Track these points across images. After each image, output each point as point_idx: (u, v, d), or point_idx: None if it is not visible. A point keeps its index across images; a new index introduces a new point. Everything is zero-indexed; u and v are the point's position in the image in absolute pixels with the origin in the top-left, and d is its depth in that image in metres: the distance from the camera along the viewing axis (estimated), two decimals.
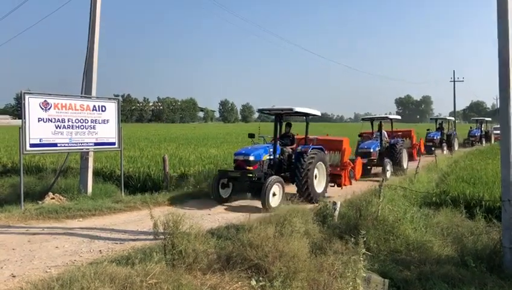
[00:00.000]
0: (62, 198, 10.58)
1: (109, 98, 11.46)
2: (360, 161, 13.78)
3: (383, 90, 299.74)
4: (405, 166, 17.31)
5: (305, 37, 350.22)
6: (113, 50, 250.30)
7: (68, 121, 10.15)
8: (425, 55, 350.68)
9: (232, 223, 8.33)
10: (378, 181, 14.03)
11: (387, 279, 5.60)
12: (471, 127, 38.18)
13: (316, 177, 11.43)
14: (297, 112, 11.52)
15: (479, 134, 35.07)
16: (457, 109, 57.52)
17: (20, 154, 9.65)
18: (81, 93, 11.09)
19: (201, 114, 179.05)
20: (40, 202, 10.07)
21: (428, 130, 28.89)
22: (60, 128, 9.99)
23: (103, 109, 10.88)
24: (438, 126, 29.48)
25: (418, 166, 15.14)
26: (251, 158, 10.57)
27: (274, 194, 10.08)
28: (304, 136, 12.26)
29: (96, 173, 12.47)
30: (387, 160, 16.12)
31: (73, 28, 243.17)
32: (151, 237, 6.23)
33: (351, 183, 12.80)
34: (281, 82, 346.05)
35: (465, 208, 9.38)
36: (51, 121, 9.84)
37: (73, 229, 8.12)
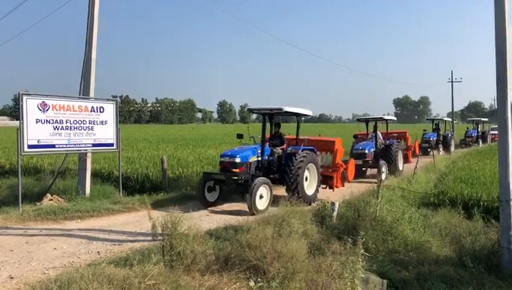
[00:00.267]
0: (60, 199, 10.56)
1: (107, 99, 11.44)
2: (353, 162, 13.55)
3: (381, 91, 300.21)
4: (400, 168, 17.16)
5: (304, 37, 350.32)
6: (112, 51, 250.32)
7: (66, 122, 10.14)
8: (424, 55, 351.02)
9: (231, 224, 8.34)
10: (372, 183, 14.09)
11: (386, 279, 5.60)
12: (467, 128, 38.01)
13: (306, 180, 11.20)
14: (287, 112, 11.29)
15: (475, 134, 34.89)
16: (455, 110, 57.54)
17: (18, 155, 9.64)
18: (79, 94, 11.08)
19: (199, 115, 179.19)
20: (38, 204, 10.06)
21: (424, 130, 28.65)
22: (58, 129, 9.99)
23: (101, 110, 10.87)
24: (434, 127, 29.24)
25: (416, 166, 15.11)
26: (237, 160, 10.25)
27: (261, 197, 9.85)
28: (295, 137, 12.03)
29: (95, 174, 12.45)
30: (382, 161, 15.91)
31: (71, 28, 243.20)
32: (150, 238, 6.23)
33: (343, 185, 12.57)
34: (280, 82, 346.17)
35: (463, 209, 9.38)
36: (49, 122, 9.84)
37: (72, 231, 8.11)
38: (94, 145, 10.78)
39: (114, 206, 10.06)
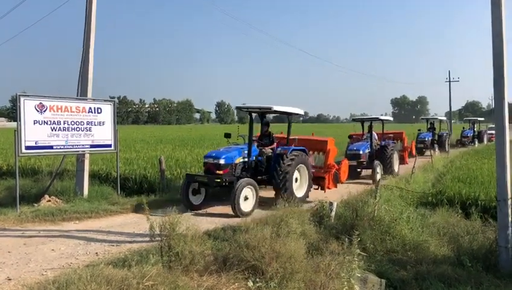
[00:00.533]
0: (58, 200, 10.53)
1: (105, 100, 11.42)
2: (346, 163, 13.13)
3: (379, 91, 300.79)
4: (396, 169, 16.85)
5: (303, 37, 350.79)
6: (109, 51, 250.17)
7: (64, 123, 10.12)
8: (422, 55, 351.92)
9: (229, 224, 8.34)
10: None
11: (384, 279, 5.61)
12: (463, 128, 37.75)
13: (296, 181, 10.92)
14: (277, 111, 10.99)
15: (471, 134, 34.49)
16: (453, 109, 57.77)
17: (15, 156, 9.63)
18: (77, 95, 11.06)
19: (197, 115, 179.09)
20: (36, 205, 10.03)
21: (419, 130, 28.00)
22: (55, 130, 9.97)
23: (99, 111, 10.85)
24: (429, 126, 28.68)
25: (414, 166, 15.12)
26: (221, 161, 9.93)
27: (246, 198, 9.56)
28: (286, 136, 11.77)
29: (92, 175, 12.42)
30: (377, 162, 15.63)
31: (69, 28, 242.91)
32: (148, 239, 6.22)
33: (336, 186, 12.24)
34: (279, 82, 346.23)
35: (461, 208, 9.41)
36: (47, 124, 9.82)
37: (70, 232, 8.10)
38: (92, 146, 10.76)
39: (112, 207, 10.05)
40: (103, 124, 10.93)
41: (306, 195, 11.19)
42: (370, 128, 16.87)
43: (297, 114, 11.75)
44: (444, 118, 34.21)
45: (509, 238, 6.36)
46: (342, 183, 12.53)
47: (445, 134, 28.90)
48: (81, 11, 11.29)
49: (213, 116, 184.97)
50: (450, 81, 53.67)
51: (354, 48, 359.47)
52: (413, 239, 7.15)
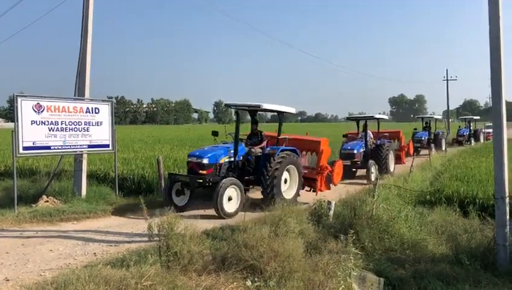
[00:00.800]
0: (56, 201, 10.51)
1: (103, 100, 11.42)
2: (340, 164, 12.64)
3: (377, 90, 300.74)
4: (391, 169, 16.55)
5: (303, 38, 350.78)
6: (107, 51, 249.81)
7: (61, 123, 10.11)
8: (421, 54, 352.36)
9: (227, 223, 8.34)
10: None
11: (383, 278, 5.61)
12: (459, 126, 37.62)
13: (286, 182, 10.62)
14: (266, 109, 10.70)
15: (467, 133, 34.31)
16: (450, 108, 57.87)
17: (13, 157, 9.61)
18: (75, 95, 11.04)
19: (195, 115, 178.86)
20: (33, 205, 10.01)
21: (415, 129, 27.61)
22: (53, 130, 9.96)
23: (97, 111, 10.84)
24: (424, 125, 28.46)
25: (412, 165, 15.11)
26: (205, 161, 9.61)
27: (230, 199, 9.29)
28: (279, 135, 11.42)
29: (90, 176, 12.40)
30: (371, 162, 15.38)
31: (67, 28, 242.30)
32: (146, 238, 6.22)
33: (329, 188, 11.87)
34: (277, 82, 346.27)
35: (459, 206, 9.41)
36: (44, 124, 9.81)
37: (68, 232, 8.09)
38: (90, 146, 10.75)
39: (110, 207, 10.04)
40: (101, 124, 10.92)
41: (296, 197, 10.85)
42: (365, 127, 16.57)
43: (288, 112, 11.45)
44: (440, 117, 34.13)
45: (507, 236, 6.36)
46: (335, 185, 12.20)
47: (441, 133, 28.67)
48: (79, 11, 11.28)
49: (211, 116, 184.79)
50: (447, 80, 53.84)
51: (353, 48, 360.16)
52: (412, 238, 7.16)
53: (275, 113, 11.74)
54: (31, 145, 9.61)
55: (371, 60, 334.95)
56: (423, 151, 24.41)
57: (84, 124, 10.56)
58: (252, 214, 8.88)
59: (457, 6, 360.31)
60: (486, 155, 19.09)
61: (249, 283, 4.74)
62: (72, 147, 10.38)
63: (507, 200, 6.42)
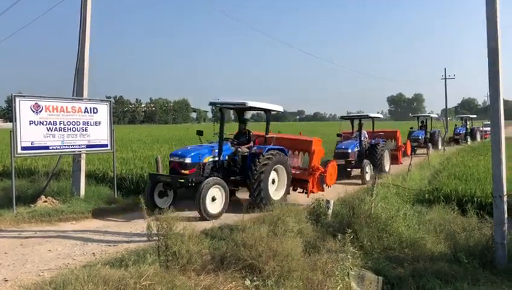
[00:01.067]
0: (55, 201, 10.51)
1: (101, 100, 11.39)
2: (333, 165, 12.09)
3: (376, 89, 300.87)
4: (387, 169, 16.26)
5: (300, 38, 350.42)
6: (106, 51, 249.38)
7: (60, 123, 10.09)
8: (419, 53, 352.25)
9: (226, 223, 8.34)
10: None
11: (381, 276, 5.62)
12: (456, 125, 37.48)
13: (273, 182, 10.30)
14: (252, 107, 10.31)
15: (463, 132, 34.11)
16: (449, 107, 57.88)
17: (11, 157, 9.59)
18: (73, 95, 11.02)
19: (194, 115, 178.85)
20: (32, 205, 10.00)
21: (411, 128, 27.26)
22: (51, 130, 9.94)
23: (95, 110, 10.82)
24: (420, 124, 28.11)
25: (410, 163, 15.11)
26: (187, 161, 9.27)
27: (214, 199, 8.99)
28: (276, 134, 11.19)
29: (89, 175, 12.39)
30: (366, 161, 15.06)
31: (66, 28, 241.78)
32: (145, 238, 6.22)
33: (322, 190, 11.45)
34: (279, 82, 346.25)
35: (458, 205, 9.42)
36: (43, 124, 9.79)
37: (66, 232, 8.08)
38: (88, 146, 10.73)
39: (109, 207, 10.03)
40: (99, 124, 10.90)
41: (285, 197, 10.49)
42: (359, 126, 16.28)
43: (275, 111, 11.11)
44: (435, 116, 33.95)
45: (505, 234, 6.39)
46: (328, 187, 11.79)
47: (437, 132, 28.38)
48: (77, 11, 11.25)
49: (209, 115, 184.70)
50: (445, 79, 53.92)
51: (353, 47, 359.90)
52: (410, 236, 7.17)
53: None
54: (30, 145, 9.59)
55: (369, 59, 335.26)
56: (420, 151, 24.35)
57: (83, 124, 10.54)
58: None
59: (458, 6, 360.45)
60: (484, 154, 19.12)
61: (247, 282, 4.75)
62: (70, 147, 10.36)
63: (505, 198, 6.44)
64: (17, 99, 9.41)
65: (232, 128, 11.37)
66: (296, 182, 11.19)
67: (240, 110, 10.91)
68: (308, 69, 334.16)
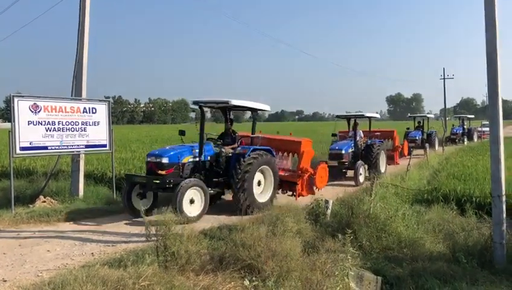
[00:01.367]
0: (53, 201, 10.50)
1: (100, 100, 11.39)
2: (324, 166, 11.62)
3: (376, 89, 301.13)
4: (382, 170, 15.56)
5: (300, 38, 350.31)
6: (105, 51, 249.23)
7: (58, 123, 10.08)
8: (419, 53, 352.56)
9: (225, 223, 8.33)
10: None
11: (380, 276, 5.62)
12: (453, 125, 37.28)
13: (259, 184, 9.89)
14: (236, 106, 9.91)
15: (460, 132, 33.79)
16: (448, 106, 58.00)
17: (10, 157, 9.59)
18: (71, 95, 11.02)
19: (193, 115, 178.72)
20: (31, 206, 9.99)
21: (407, 128, 26.78)
22: (50, 131, 9.93)
23: (94, 111, 10.82)
24: (416, 124, 27.79)
25: (409, 163, 15.09)
26: (164, 160, 8.85)
27: (192, 201, 8.58)
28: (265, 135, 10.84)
29: (88, 176, 12.39)
30: (360, 162, 14.57)
31: (64, 28, 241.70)
32: (144, 239, 6.22)
33: (313, 193, 11.00)
34: (278, 82, 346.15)
35: (456, 205, 9.43)
36: (41, 124, 9.78)
37: (65, 233, 8.07)
38: (87, 146, 10.72)
39: (108, 208, 10.02)
40: (98, 124, 10.89)
41: (271, 200, 10.04)
42: (354, 126, 15.90)
43: (261, 110, 10.82)
44: (432, 116, 33.85)
45: (503, 234, 6.39)
46: (319, 189, 11.39)
47: (434, 132, 28.03)
48: (76, 10, 11.24)
49: (208, 115, 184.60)
50: (444, 78, 53.99)
51: (353, 47, 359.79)
52: (409, 236, 7.17)
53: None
54: (28, 145, 9.58)
55: (369, 59, 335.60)
56: (417, 152, 24.20)
57: (82, 124, 10.53)
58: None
59: (458, 5, 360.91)
60: (483, 154, 19.12)
61: (246, 282, 4.74)
62: (69, 147, 10.36)
63: (504, 198, 6.44)
64: (16, 100, 9.40)
65: (221, 129, 11.18)
66: (285, 184, 10.89)
67: (224, 109, 10.53)
68: (308, 69, 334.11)
